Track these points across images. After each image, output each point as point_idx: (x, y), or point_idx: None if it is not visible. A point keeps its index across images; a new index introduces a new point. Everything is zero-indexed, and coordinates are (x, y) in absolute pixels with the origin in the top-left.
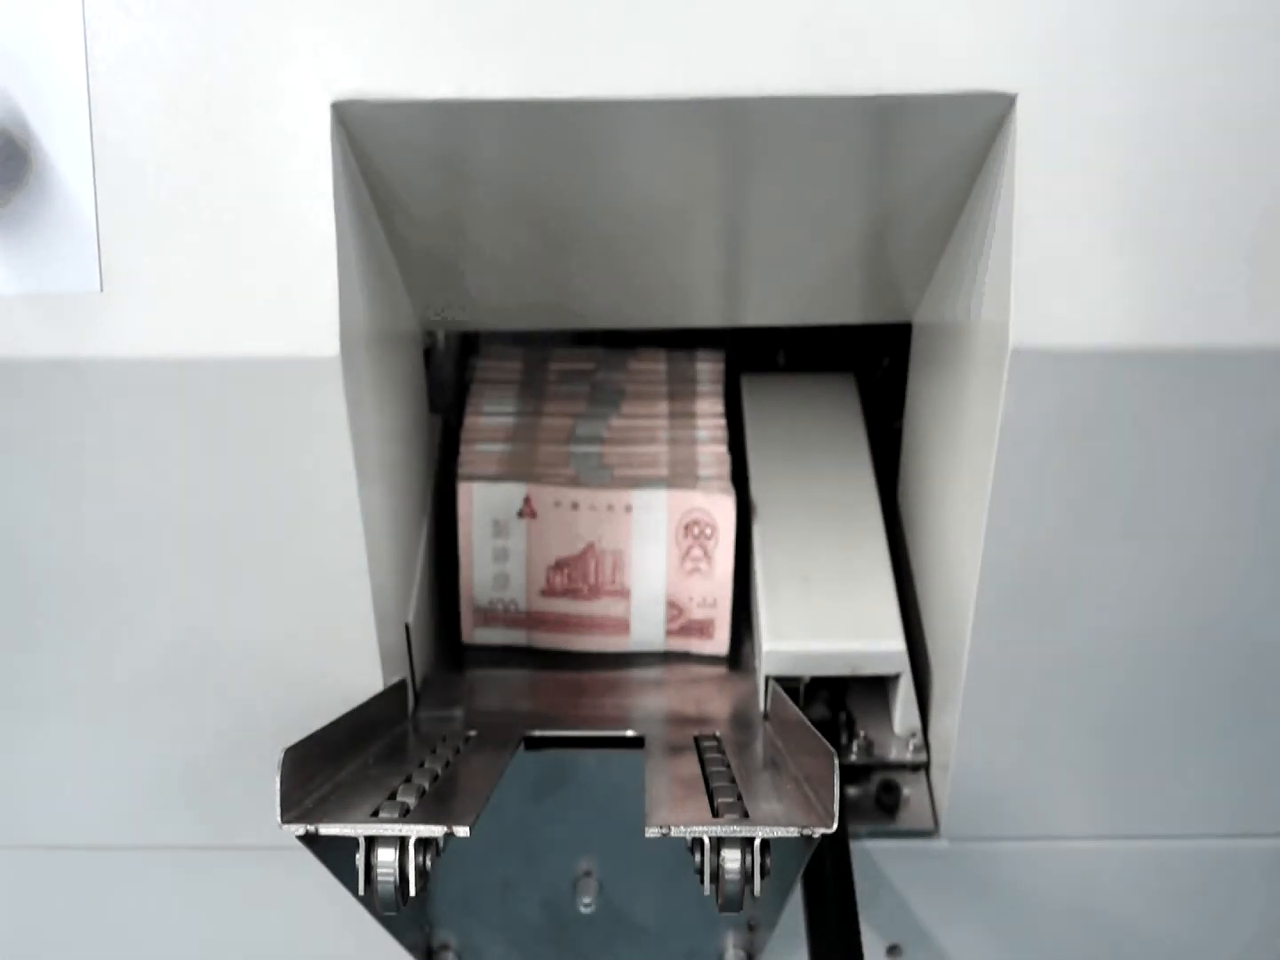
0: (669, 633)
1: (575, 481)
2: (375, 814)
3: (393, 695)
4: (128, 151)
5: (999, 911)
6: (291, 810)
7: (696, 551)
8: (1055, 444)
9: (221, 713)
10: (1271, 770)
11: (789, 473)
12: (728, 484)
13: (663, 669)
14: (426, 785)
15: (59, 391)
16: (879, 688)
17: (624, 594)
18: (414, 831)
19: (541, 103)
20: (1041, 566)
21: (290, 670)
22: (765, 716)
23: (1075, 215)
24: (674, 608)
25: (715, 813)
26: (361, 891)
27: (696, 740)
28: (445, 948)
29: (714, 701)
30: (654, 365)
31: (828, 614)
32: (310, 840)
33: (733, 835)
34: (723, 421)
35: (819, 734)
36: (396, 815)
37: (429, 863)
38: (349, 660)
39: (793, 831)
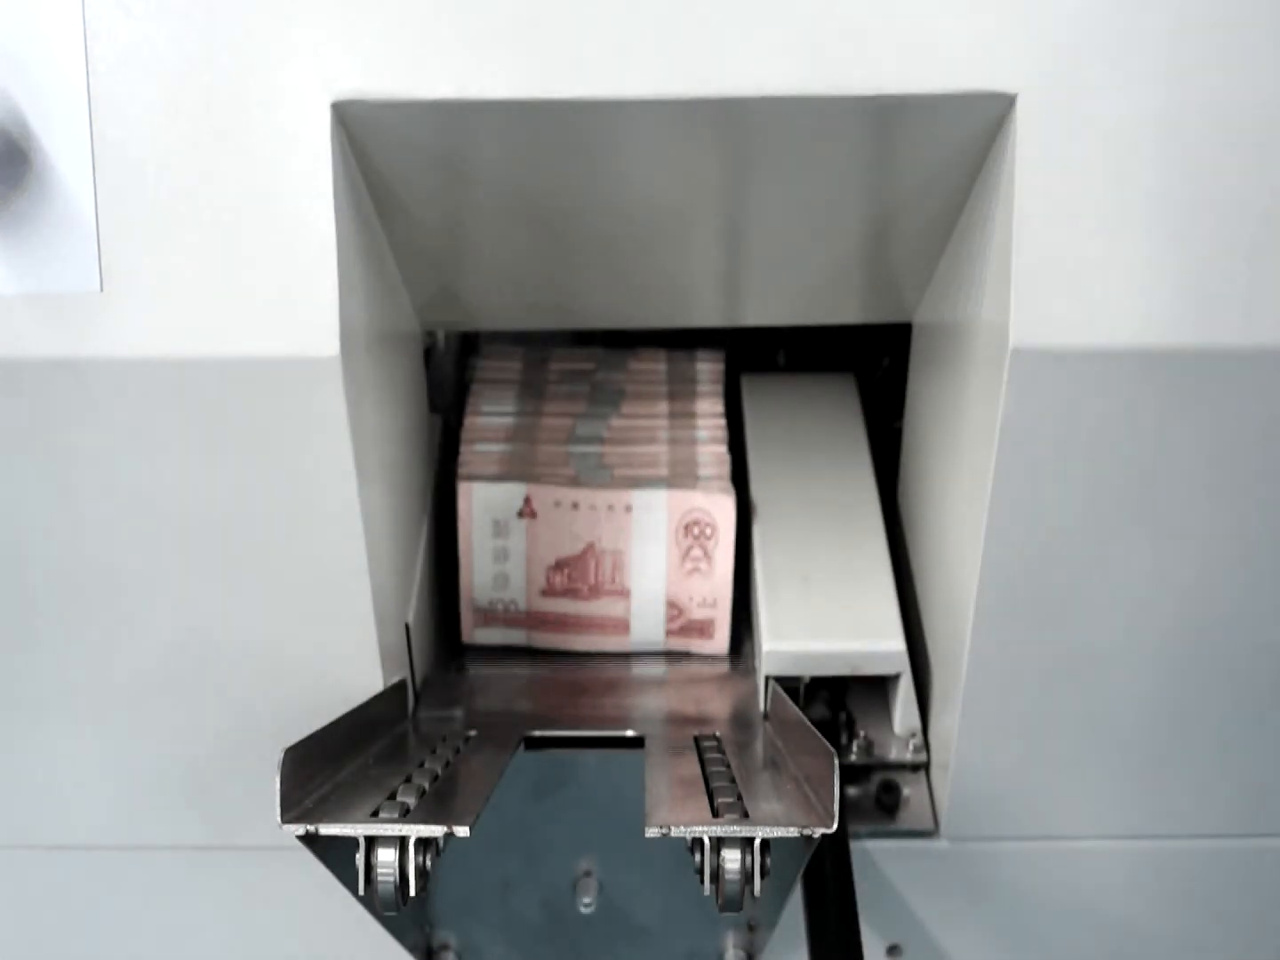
0: (669, 632)
1: (575, 481)
2: (375, 814)
3: (393, 695)
4: (128, 151)
5: (999, 911)
6: (291, 810)
7: (696, 551)
8: (1055, 444)
9: (221, 713)
10: (1271, 770)
11: (789, 473)
12: (728, 484)
13: (663, 669)
14: (426, 785)
15: (59, 391)
16: (879, 688)
17: (624, 594)
18: (414, 831)
19: (541, 103)
20: (1041, 566)
21: (290, 670)
22: (765, 716)
23: (1075, 215)
24: (674, 607)
25: (715, 813)
26: (361, 891)
27: (696, 740)
28: (445, 948)
29: (714, 701)
30: (654, 365)
31: (828, 614)
32: (310, 840)
33: (733, 835)
34: (723, 421)
35: (819, 734)
36: (396, 815)
37: (429, 863)
38: (349, 660)
39: (793, 831)
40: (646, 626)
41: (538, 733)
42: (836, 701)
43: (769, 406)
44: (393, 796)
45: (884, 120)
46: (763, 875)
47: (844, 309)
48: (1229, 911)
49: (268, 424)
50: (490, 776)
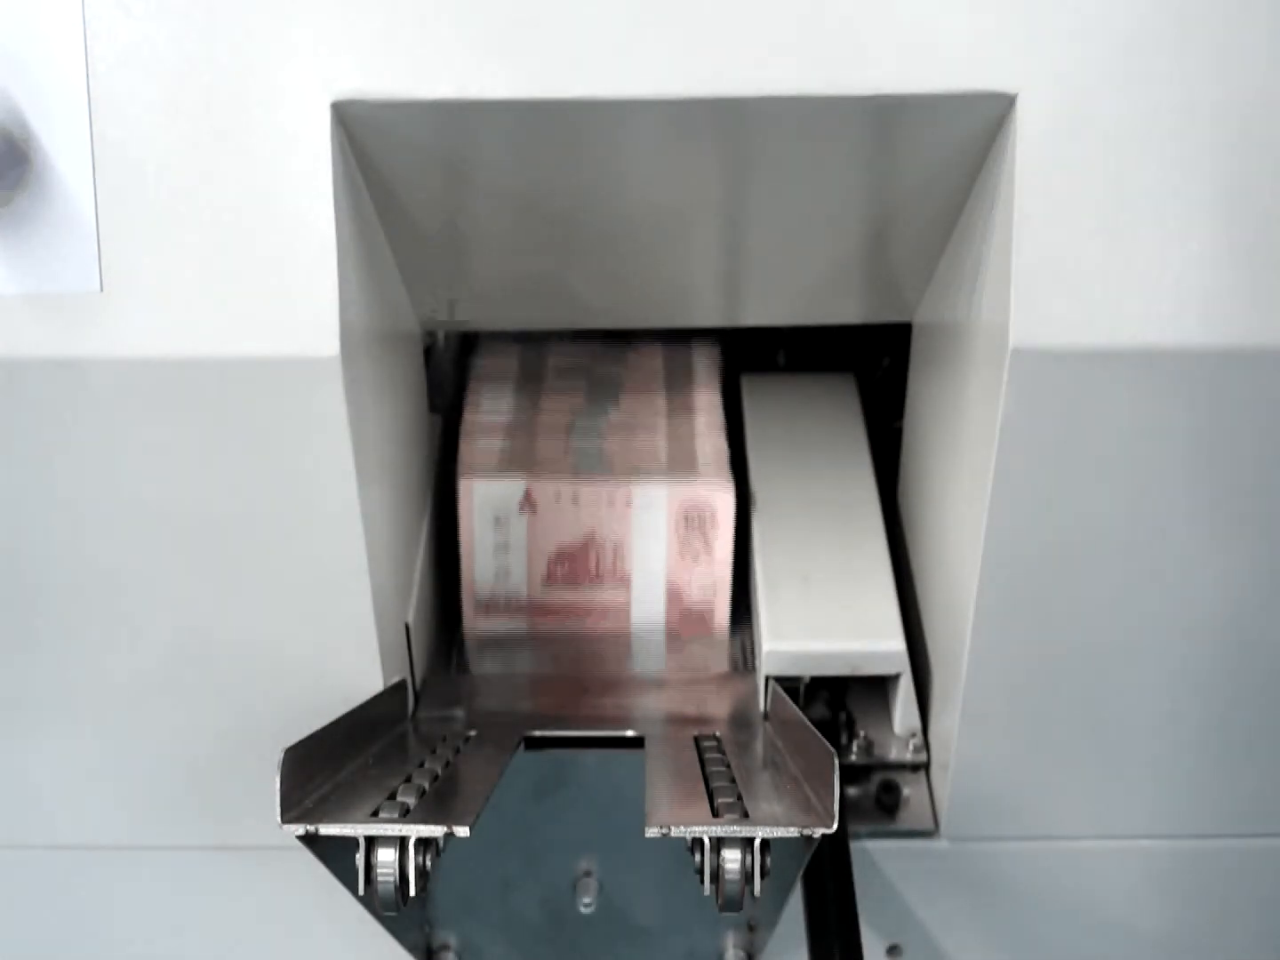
0: (669, 619)
1: (575, 475)
2: (375, 814)
3: (393, 695)
4: (128, 151)
5: (999, 911)
6: (291, 810)
7: (696, 540)
8: (1055, 444)
9: (221, 713)
10: (1271, 770)
11: (789, 473)
12: (726, 474)
13: (664, 664)
14: (426, 785)
15: (59, 391)
16: (879, 688)
17: (624, 582)
18: (414, 831)
19: (541, 103)
20: (1041, 566)
21: (290, 670)
22: (765, 716)
23: (1075, 215)
24: (674, 595)
25: (715, 813)
26: (361, 891)
27: (696, 740)
28: (445, 948)
29: (714, 701)
30: (651, 359)
31: (828, 614)
32: (310, 840)
33: (733, 835)
34: (720, 412)
35: (819, 734)
36: (396, 815)
37: (429, 863)
38: (349, 660)
39: (793, 831)
40: (647, 614)
41: (538, 733)
42: (836, 701)
43: (769, 406)
44: (393, 796)
45: (884, 120)
46: (763, 875)
47: (844, 309)
48: (1229, 911)
49: (268, 424)
50: (490, 776)
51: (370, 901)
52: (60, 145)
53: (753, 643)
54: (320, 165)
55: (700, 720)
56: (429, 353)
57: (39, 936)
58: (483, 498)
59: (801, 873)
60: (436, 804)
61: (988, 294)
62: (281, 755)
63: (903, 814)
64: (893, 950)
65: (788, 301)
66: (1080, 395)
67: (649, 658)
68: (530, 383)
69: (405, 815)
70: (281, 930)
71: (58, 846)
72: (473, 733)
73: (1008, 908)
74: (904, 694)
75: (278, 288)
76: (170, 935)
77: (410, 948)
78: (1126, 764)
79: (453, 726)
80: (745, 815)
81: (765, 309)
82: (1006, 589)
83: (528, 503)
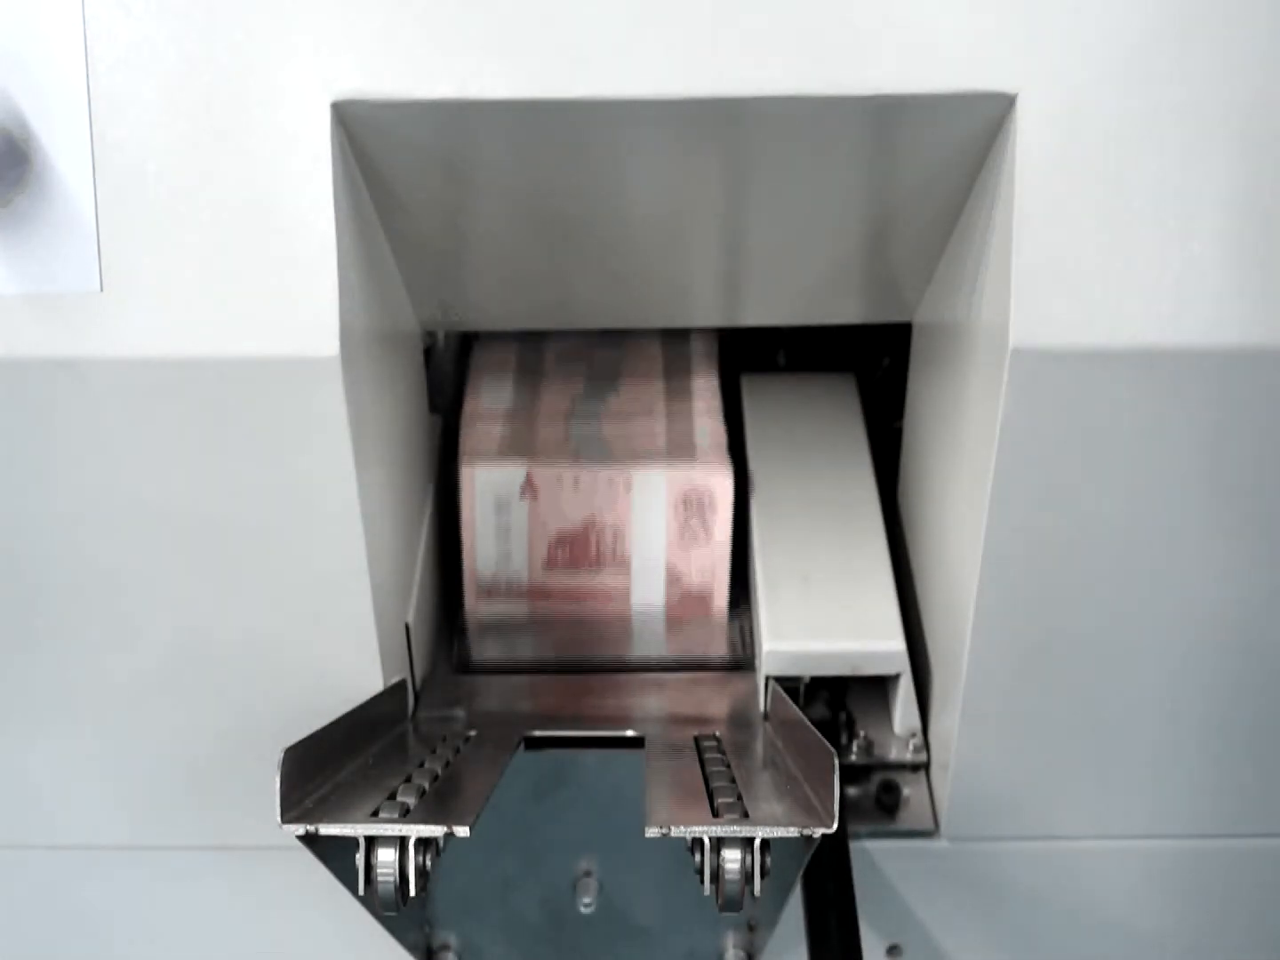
0: (669, 602)
1: (575, 460)
2: (375, 814)
3: (393, 695)
4: (128, 151)
5: (999, 911)
6: (291, 810)
7: (695, 523)
8: (1055, 444)
9: (221, 713)
10: (1271, 770)
11: (789, 473)
12: (725, 458)
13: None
14: (426, 785)
15: (59, 391)
16: (879, 688)
17: (624, 565)
18: (414, 831)
19: (541, 103)
20: (1041, 566)
21: (290, 671)
22: (765, 716)
23: (1075, 215)
24: (673, 578)
25: (715, 813)
26: (361, 891)
27: (696, 740)
28: (445, 948)
29: (714, 701)
30: (649, 346)
31: (828, 614)
32: (310, 840)
33: (733, 835)
34: (718, 397)
35: (819, 734)
36: (396, 815)
37: (429, 863)
38: (349, 660)
39: (793, 831)
40: (647, 596)
41: (538, 733)
42: (836, 701)
43: (769, 406)
44: (393, 796)
45: (884, 120)
46: (763, 875)
47: (844, 309)
48: (1229, 911)
49: (268, 424)
50: (490, 776)
51: (370, 901)
52: (60, 145)
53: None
54: (320, 165)
55: (700, 720)
56: (429, 353)
57: (39, 936)
58: (484, 483)
59: (801, 873)
60: (436, 804)
61: (988, 294)
62: (281, 755)
63: (903, 814)
64: (893, 950)
65: (788, 301)
66: (1080, 395)
67: (649, 640)
68: (530, 370)
69: (405, 815)
70: (281, 930)
71: (58, 846)
72: (473, 733)
73: (1008, 908)
74: (904, 694)
75: (278, 288)
76: (170, 935)
77: (410, 948)
78: (1126, 764)
79: (453, 726)
80: (745, 815)
81: (765, 309)
82: (1006, 589)
83: (528, 487)
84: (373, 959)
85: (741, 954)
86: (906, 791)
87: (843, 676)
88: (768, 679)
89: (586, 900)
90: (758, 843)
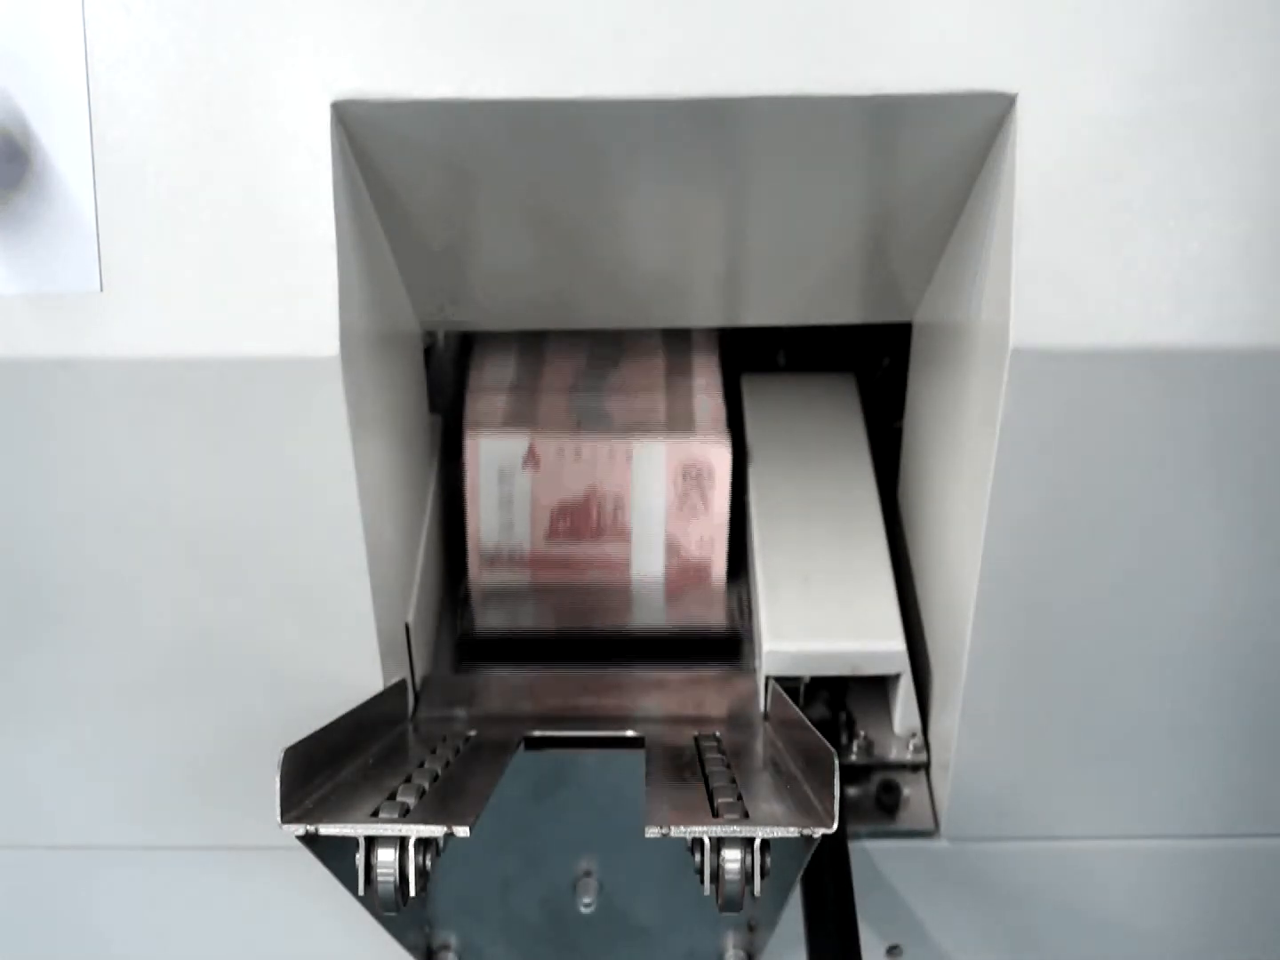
0: (668, 572)
1: (577, 430)
2: (375, 814)
3: (393, 695)
4: (128, 151)
5: (999, 911)
6: (291, 810)
7: (694, 495)
8: (1055, 444)
9: (221, 713)
10: (1271, 770)
11: (789, 473)
12: (724, 431)
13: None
14: (426, 785)
15: (59, 391)
16: (879, 688)
17: (625, 536)
18: (414, 831)
19: (541, 103)
20: (1041, 566)
21: (290, 670)
22: (765, 716)
23: (1075, 215)
24: (673, 549)
25: (715, 813)
26: (361, 891)
27: (696, 740)
28: (445, 948)
29: (714, 701)
30: (649, 336)
31: (828, 614)
32: (310, 840)
33: (733, 835)
34: (718, 374)
35: (819, 734)
36: (396, 815)
37: (429, 863)
38: (349, 660)
39: (793, 832)
40: (646, 566)
41: (538, 733)
42: (836, 701)
43: (769, 406)
44: (393, 796)
45: (884, 120)
46: (763, 875)
47: (844, 309)
48: (1229, 911)
49: (268, 424)
50: (490, 776)
51: (370, 901)
52: (60, 145)
53: (753, 643)
54: (320, 165)
55: (700, 720)
56: (429, 353)
57: (39, 936)
58: (487, 453)
59: (801, 873)
60: (436, 804)
61: (988, 294)
62: (281, 755)
63: (903, 814)
64: (893, 950)
65: (788, 301)
66: (1080, 395)
67: (649, 609)
68: (533, 347)
69: (405, 815)
70: (281, 930)
71: (58, 846)
72: (473, 733)
73: (1008, 908)
74: (904, 694)
75: (278, 288)
76: (170, 935)
77: (410, 948)
78: (1126, 764)
79: (453, 726)
80: (745, 815)
81: (765, 309)
82: (1006, 589)
83: (531, 458)
84: (373, 959)
85: (741, 954)
86: (906, 791)
87: (843, 676)
88: (768, 679)
89: (586, 900)
90: (758, 843)
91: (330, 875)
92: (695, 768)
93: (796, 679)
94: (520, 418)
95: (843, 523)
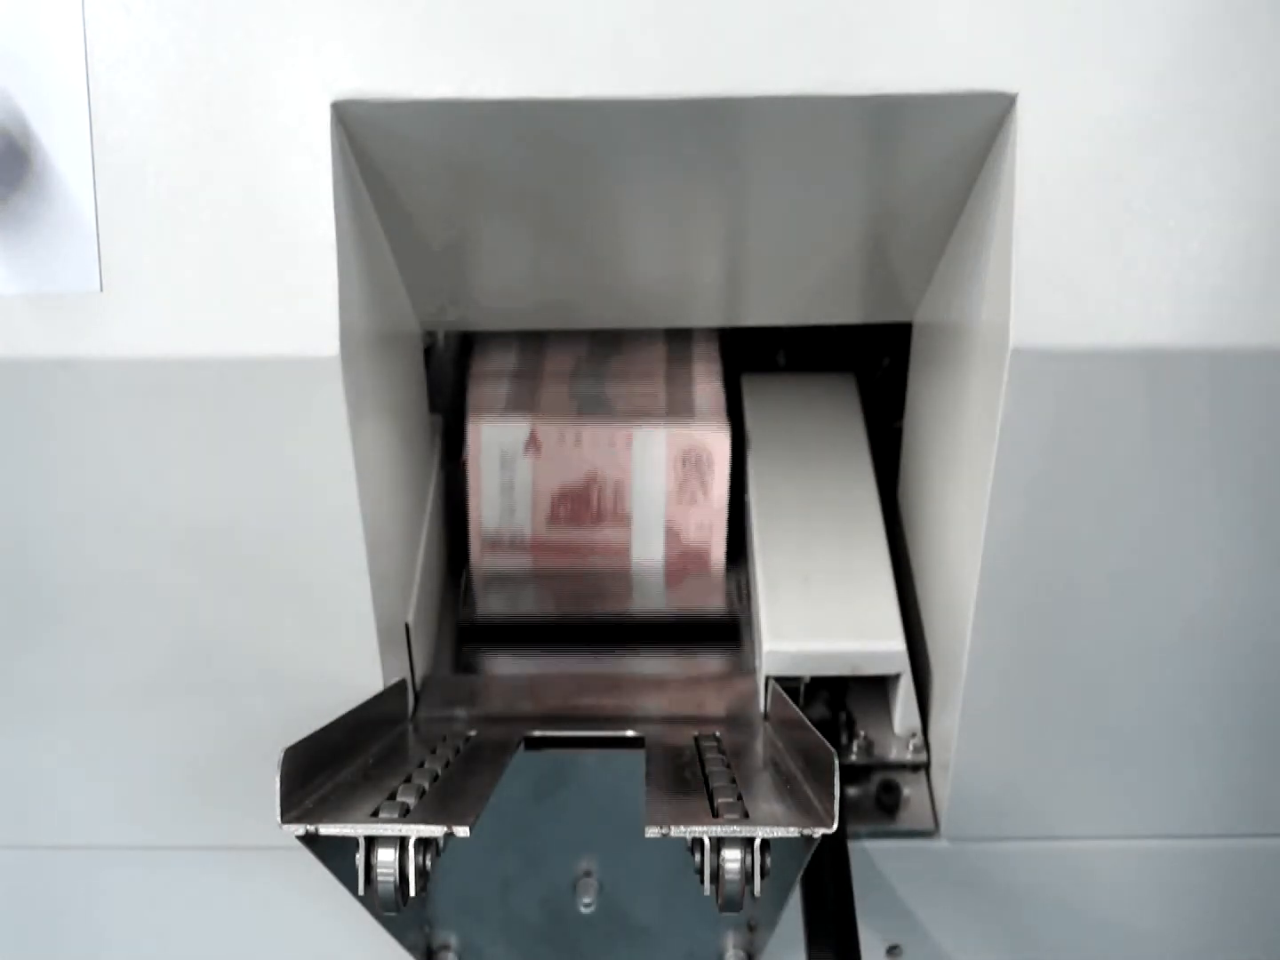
0: (668, 557)
1: (578, 417)
2: (375, 814)
3: (393, 695)
4: (128, 151)
5: (999, 911)
6: (291, 810)
7: (693, 481)
8: (1055, 444)
9: (221, 713)
10: (1271, 770)
11: (789, 473)
12: (723, 418)
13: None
14: (426, 785)
15: (59, 391)
16: (879, 688)
17: (625, 521)
18: (414, 831)
19: (541, 103)
20: (1041, 566)
21: (290, 670)
22: (765, 716)
23: (1075, 215)
24: (672, 534)
25: (715, 813)
26: (361, 891)
27: (696, 740)
28: (445, 948)
29: (714, 701)
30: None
31: (828, 614)
32: (310, 840)
33: (733, 835)
34: (718, 362)
35: (819, 734)
36: (396, 815)
37: (429, 863)
38: (349, 660)
39: (793, 832)
40: (646, 551)
41: (538, 733)
42: (836, 701)
43: (769, 406)
44: (393, 796)
45: (884, 120)
46: (763, 875)
47: (844, 309)
48: (1229, 911)
49: (268, 424)
50: (490, 776)
51: (370, 901)
52: (60, 145)
53: (753, 643)
54: (320, 165)
55: (700, 720)
56: (429, 353)
57: (39, 936)
58: (490, 438)
59: (801, 873)
60: (436, 804)
61: (988, 294)
62: (281, 755)
63: (903, 814)
64: (893, 950)
65: (788, 301)
66: (1080, 395)
67: (649, 594)
68: (535, 334)
69: (405, 815)
70: (281, 930)
71: (58, 846)
72: (473, 733)
73: (1008, 908)
74: (904, 694)
75: (278, 288)
76: (170, 935)
77: (410, 948)
78: (1126, 764)
79: (453, 726)
80: (745, 815)
81: (765, 309)
82: (1006, 589)
83: (532, 444)
84: (372, 959)
85: (741, 954)
86: (906, 791)
87: (843, 676)
88: (768, 679)
89: (586, 900)
90: (758, 843)
91: (330, 875)
92: (695, 768)
93: (796, 679)
94: (522, 404)
95: (843, 523)
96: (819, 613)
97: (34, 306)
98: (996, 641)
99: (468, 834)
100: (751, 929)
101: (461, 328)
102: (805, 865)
